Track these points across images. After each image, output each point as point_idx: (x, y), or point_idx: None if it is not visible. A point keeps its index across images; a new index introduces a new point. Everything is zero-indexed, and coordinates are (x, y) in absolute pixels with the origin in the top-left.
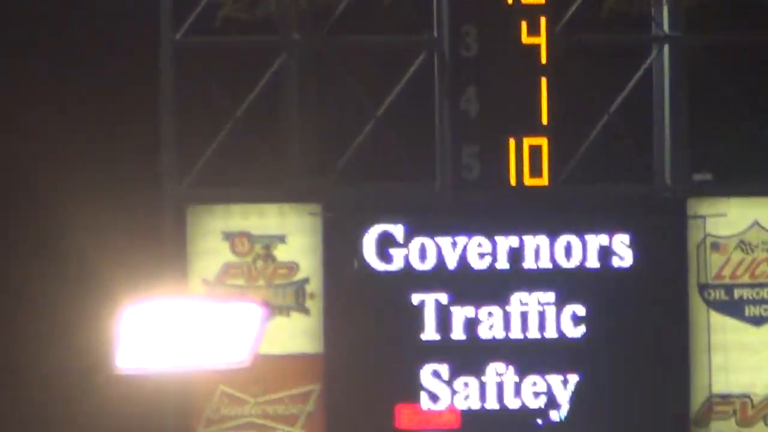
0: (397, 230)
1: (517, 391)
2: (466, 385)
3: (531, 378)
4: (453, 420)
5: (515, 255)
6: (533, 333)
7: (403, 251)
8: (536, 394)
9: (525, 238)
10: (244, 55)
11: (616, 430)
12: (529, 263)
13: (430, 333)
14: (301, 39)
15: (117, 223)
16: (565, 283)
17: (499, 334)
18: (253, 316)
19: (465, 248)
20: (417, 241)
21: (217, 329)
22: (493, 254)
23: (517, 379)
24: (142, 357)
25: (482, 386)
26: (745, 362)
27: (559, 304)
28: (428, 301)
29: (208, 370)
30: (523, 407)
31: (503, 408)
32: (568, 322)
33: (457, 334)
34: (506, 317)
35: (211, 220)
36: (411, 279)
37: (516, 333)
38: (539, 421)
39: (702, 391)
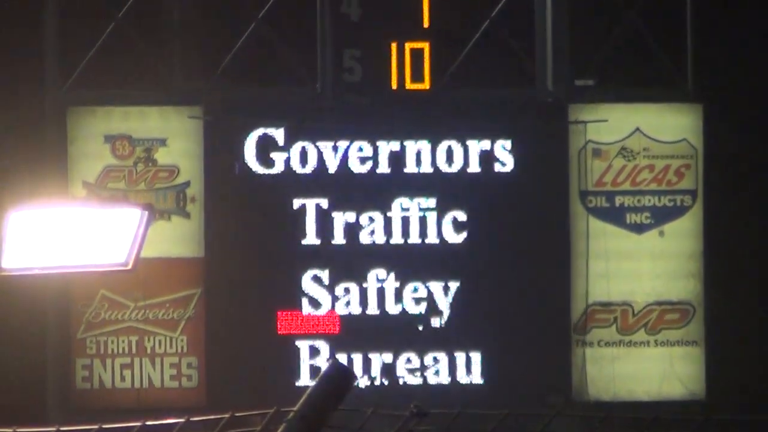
0: (278, 134)
1: (398, 298)
2: (346, 290)
3: (412, 284)
4: (333, 325)
5: (396, 160)
6: (414, 239)
7: (284, 155)
8: (417, 300)
9: (406, 143)
10: None
11: (497, 336)
12: (410, 168)
13: (311, 238)
14: None
15: None
16: (446, 189)
17: (381, 239)
18: (136, 219)
19: (346, 153)
20: (298, 145)
21: (101, 233)
22: (375, 159)
23: (398, 284)
24: (27, 259)
25: (363, 292)
26: (626, 270)
27: (441, 210)
28: (309, 205)
29: (92, 272)
30: (404, 313)
31: (384, 314)
32: (450, 228)
33: (338, 239)
34: (387, 223)
35: (92, 123)
36: (292, 183)
37: (397, 239)
38: (420, 328)
39: (582, 298)
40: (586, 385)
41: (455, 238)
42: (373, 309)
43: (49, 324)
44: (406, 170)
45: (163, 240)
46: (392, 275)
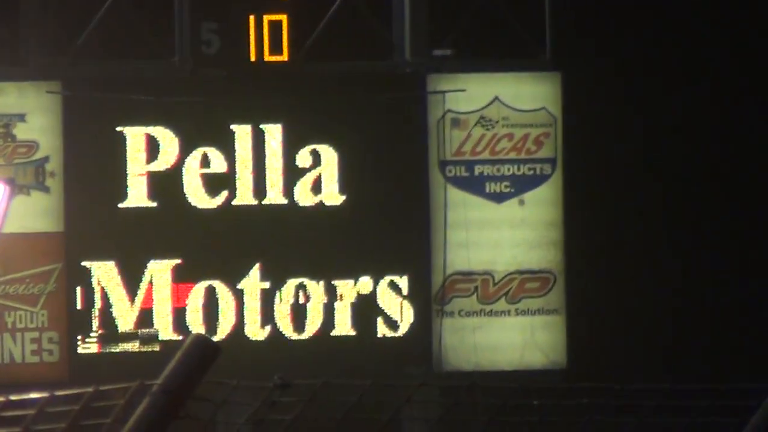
0: (137, 108)
1: (264, 272)
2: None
3: (275, 251)
4: (194, 297)
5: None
6: (271, 202)
7: (144, 129)
8: (276, 270)
9: (265, 126)
10: None
11: (357, 306)
12: (270, 142)
13: None
14: None
15: None
16: (308, 156)
17: (245, 201)
18: None
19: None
20: (157, 120)
21: None
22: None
23: (262, 255)
24: None
25: (223, 263)
26: (486, 239)
27: (296, 177)
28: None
29: None
30: (261, 284)
31: (250, 288)
32: (308, 196)
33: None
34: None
35: None
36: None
37: (252, 200)
38: (277, 300)
39: (442, 269)
40: (446, 355)
41: (313, 207)
42: (238, 283)
43: None
44: (266, 151)
45: (22, 215)
46: (257, 241)
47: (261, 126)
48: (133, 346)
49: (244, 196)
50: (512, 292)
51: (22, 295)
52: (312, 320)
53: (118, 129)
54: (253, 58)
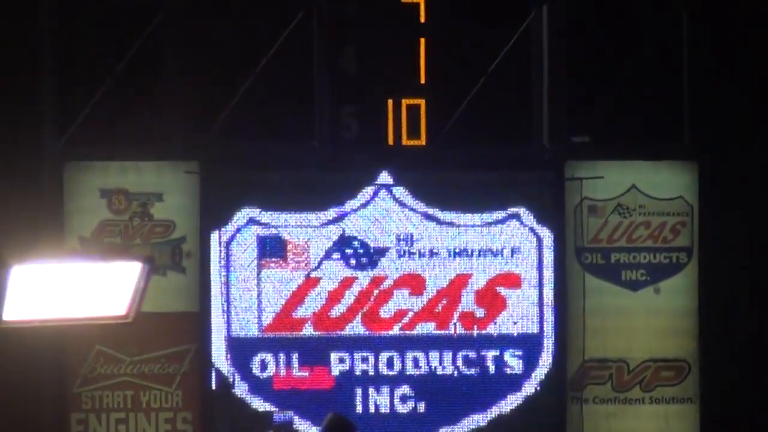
0: (277, 190)
1: (396, 362)
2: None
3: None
4: (326, 381)
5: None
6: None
7: (282, 215)
8: (416, 361)
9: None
10: (123, 10)
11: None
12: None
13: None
14: None
15: None
16: (446, 240)
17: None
18: (136, 272)
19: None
20: (296, 202)
21: (102, 286)
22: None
23: (394, 355)
24: (29, 312)
25: (354, 355)
26: (621, 327)
27: (439, 262)
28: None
29: (88, 327)
30: (401, 373)
31: (377, 373)
32: (442, 283)
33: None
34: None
35: (88, 177)
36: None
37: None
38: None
39: (578, 355)
40: None
41: (453, 293)
42: (365, 367)
43: (45, 379)
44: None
45: (158, 295)
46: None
47: None
48: (267, 429)
49: None
50: (647, 381)
51: (157, 375)
52: None
53: (255, 210)
54: (391, 142)
